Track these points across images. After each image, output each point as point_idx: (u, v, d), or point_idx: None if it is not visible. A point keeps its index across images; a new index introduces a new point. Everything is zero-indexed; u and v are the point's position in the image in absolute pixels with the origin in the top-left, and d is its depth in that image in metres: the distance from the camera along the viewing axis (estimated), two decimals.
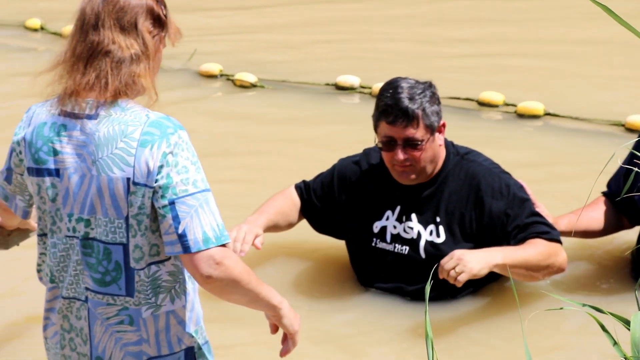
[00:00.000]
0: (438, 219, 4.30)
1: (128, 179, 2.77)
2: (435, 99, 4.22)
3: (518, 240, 4.21)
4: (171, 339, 2.88)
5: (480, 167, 4.30)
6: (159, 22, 2.88)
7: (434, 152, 4.24)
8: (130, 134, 2.77)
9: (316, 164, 4.77)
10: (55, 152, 2.84)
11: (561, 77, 7.30)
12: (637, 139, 4.30)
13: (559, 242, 4.25)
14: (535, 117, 6.56)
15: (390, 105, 4.14)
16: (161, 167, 2.75)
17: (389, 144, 4.18)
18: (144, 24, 2.84)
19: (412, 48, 7.98)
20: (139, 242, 2.80)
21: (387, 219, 4.36)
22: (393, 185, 4.34)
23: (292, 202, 4.53)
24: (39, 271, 2.97)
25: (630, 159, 4.34)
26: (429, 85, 4.23)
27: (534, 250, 4.15)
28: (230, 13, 9.04)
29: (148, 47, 2.83)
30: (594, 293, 4.47)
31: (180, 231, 2.74)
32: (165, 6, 2.91)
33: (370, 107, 6.65)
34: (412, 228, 4.32)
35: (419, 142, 4.16)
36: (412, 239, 4.32)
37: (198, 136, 6.30)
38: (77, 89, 2.81)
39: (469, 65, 7.55)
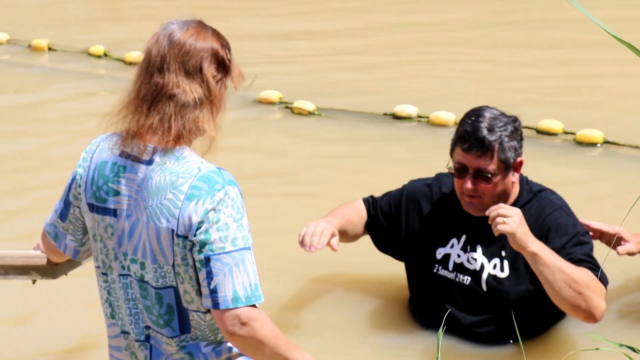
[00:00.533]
0: (503, 254, 4.23)
1: (172, 231, 2.81)
2: (516, 134, 4.13)
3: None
4: None
5: (551, 205, 4.22)
6: (223, 66, 2.89)
7: (504, 188, 4.17)
8: (180, 186, 2.80)
9: (373, 191, 4.79)
10: (115, 193, 2.89)
11: (620, 103, 7.26)
12: None
13: (604, 287, 4.08)
14: (593, 144, 6.53)
15: (468, 133, 4.09)
16: (201, 222, 2.78)
17: (460, 170, 4.13)
18: (209, 69, 2.85)
19: (471, 76, 7.98)
20: (187, 288, 2.85)
21: (452, 246, 4.31)
22: (462, 213, 4.27)
23: (360, 214, 4.48)
24: (102, 306, 3.02)
25: None
26: (513, 120, 4.15)
27: (575, 269, 4.01)
28: (293, 40, 9.11)
29: (212, 92, 2.85)
30: (632, 332, 4.42)
31: (212, 287, 2.78)
32: (229, 50, 2.92)
33: (426, 136, 6.79)
34: (475, 259, 4.26)
35: (490, 175, 4.09)
36: (475, 270, 4.25)
37: (256, 160, 6.36)
38: (139, 131, 2.84)
39: (531, 91, 7.54)
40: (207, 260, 2.78)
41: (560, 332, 4.39)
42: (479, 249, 4.26)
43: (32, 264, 3.39)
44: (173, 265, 2.83)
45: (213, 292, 2.78)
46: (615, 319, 4.51)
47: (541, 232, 4.15)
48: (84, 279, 4.13)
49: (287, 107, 7.31)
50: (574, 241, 4.14)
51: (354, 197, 4.61)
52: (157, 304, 2.88)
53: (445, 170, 4.31)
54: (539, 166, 6.01)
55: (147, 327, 2.92)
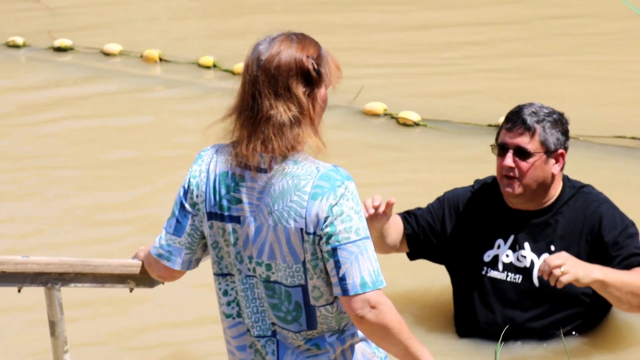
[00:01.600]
0: (552, 248, 4.31)
1: (302, 229, 2.97)
2: (560, 125, 4.30)
3: (621, 266, 4.18)
4: (357, 356, 3.08)
5: (596, 199, 4.33)
6: (310, 78, 2.99)
7: (544, 175, 4.28)
8: (303, 187, 2.97)
9: None
10: (237, 201, 3.03)
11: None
12: None
13: None
14: None
15: (513, 113, 4.30)
16: (327, 217, 2.95)
17: (501, 148, 4.28)
18: (297, 87, 2.97)
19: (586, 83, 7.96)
20: (316, 283, 3.01)
21: (499, 247, 4.38)
22: (506, 213, 4.37)
23: (397, 225, 4.52)
24: (223, 308, 3.13)
25: None
26: (560, 114, 4.33)
27: (635, 276, 4.12)
28: (395, 51, 9.16)
29: (304, 108, 2.97)
30: None
31: (340, 275, 2.95)
32: (316, 57, 3.01)
33: None
34: (525, 257, 4.34)
35: (530, 154, 4.23)
36: (525, 267, 4.34)
37: (361, 171, 6.43)
38: (244, 154, 2.99)
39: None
40: (335, 250, 2.95)
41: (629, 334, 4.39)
42: (527, 246, 4.34)
43: (130, 272, 3.46)
44: (303, 263, 3.00)
45: (342, 280, 2.94)
46: None
47: (591, 225, 4.27)
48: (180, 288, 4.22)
49: (392, 118, 7.37)
50: (625, 234, 4.25)
51: None
52: (286, 301, 3.03)
53: (482, 177, 4.48)
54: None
55: (273, 324, 3.06)
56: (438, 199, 4.57)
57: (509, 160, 4.24)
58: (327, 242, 2.95)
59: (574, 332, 4.39)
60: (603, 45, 9.14)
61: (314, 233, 2.96)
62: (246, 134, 2.98)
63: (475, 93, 7.97)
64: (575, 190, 4.36)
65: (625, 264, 4.20)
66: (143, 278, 3.47)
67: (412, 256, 4.59)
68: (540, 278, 4.30)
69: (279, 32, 3.03)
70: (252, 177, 3.01)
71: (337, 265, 2.95)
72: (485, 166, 6.38)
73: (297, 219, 2.97)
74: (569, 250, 4.23)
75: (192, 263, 3.17)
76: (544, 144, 4.26)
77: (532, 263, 4.33)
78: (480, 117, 7.28)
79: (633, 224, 4.33)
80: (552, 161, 4.29)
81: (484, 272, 4.40)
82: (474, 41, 9.40)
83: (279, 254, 3.00)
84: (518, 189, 4.27)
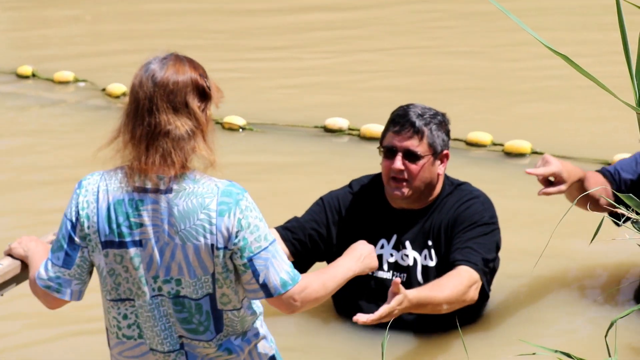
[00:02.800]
0: (430, 243, 4.37)
1: (212, 245, 3.14)
2: (444, 126, 4.36)
3: (450, 258, 4.25)
4: (260, 353, 3.31)
5: (472, 195, 4.40)
6: (204, 94, 3.16)
7: (431, 176, 4.34)
8: (208, 205, 3.12)
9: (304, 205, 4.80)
10: (137, 225, 3.14)
11: (548, 115, 7.37)
12: None
13: (485, 273, 4.27)
14: (521, 155, 6.62)
15: (400, 116, 4.33)
16: (238, 231, 3.13)
17: (390, 151, 4.31)
18: (193, 102, 3.13)
19: (400, 87, 8.04)
20: (225, 291, 3.19)
21: (382, 247, 4.41)
22: (388, 213, 4.41)
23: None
24: (110, 333, 3.25)
25: None
26: (443, 115, 4.39)
27: (443, 285, 4.15)
28: (218, 54, 9.11)
29: (200, 122, 3.13)
30: (567, 336, 4.50)
31: (261, 281, 3.18)
32: (207, 76, 3.19)
33: (358, 149, 6.82)
34: (407, 255, 4.38)
35: (419, 156, 4.28)
36: (409, 265, 4.38)
37: None
38: (144, 168, 3.10)
39: (457, 103, 7.61)
40: (250, 261, 3.16)
41: (497, 337, 4.46)
42: (408, 245, 4.39)
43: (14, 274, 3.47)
44: (213, 274, 3.17)
45: (264, 286, 3.18)
46: (553, 324, 4.59)
47: (455, 217, 4.33)
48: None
49: (217, 123, 7.31)
50: (478, 229, 4.30)
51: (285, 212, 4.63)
52: (197, 314, 3.19)
53: (357, 176, 4.49)
54: (468, 177, 6.07)
55: (180, 337, 3.21)
56: (317, 204, 4.53)
57: (398, 163, 4.28)
58: (241, 256, 3.15)
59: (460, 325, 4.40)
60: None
61: (225, 247, 3.14)
62: (144, 149, 3.09)
63: (300, 94, 7.97)
64: (453, 187, 4.43)
65: (455, 256, 4.24)
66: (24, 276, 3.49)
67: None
68: (423, 275, 4.33)
69: (163, 52, 3.18)
70: (152, 199, 3.13)
71: (256, 274, 3.16)
72: (318, 168, 6.43)
73: (207, 235, 3.13)
74: (440, 240, 4.32)
75: (81, 293, 3.24)
76: (431, 146, 4.30)
77: (414, 261, 4.37)
78: (307, 119, 7.27)
79: (496, 226, 4.35)
80: (438, 162, 4.35)
81: (371, 273, 4.30)
82: (299, 46, 9.41)
83: (187, 270, 3.15)
84: (407, 192, 4.31)
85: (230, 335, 3.24)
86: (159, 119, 3.09)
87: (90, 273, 3.23)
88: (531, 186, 6.08)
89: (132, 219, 3.14)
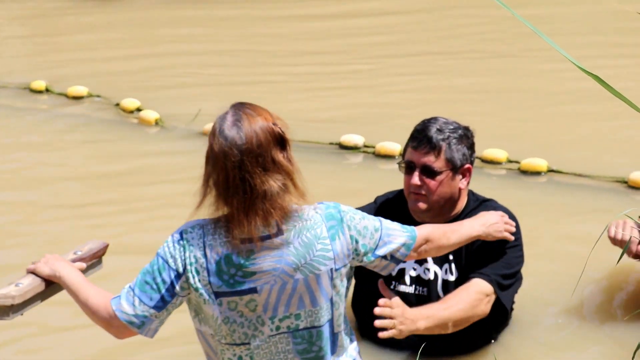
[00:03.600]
0: (450, 257, 4.36)
1: (331, 269, 3.30)
2: (465, 140, 4.32)
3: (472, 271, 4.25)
4: None
5: (494, 210, 4.33)
6: (283, 141, 3.22)
7: (451, 191, 4.32)
8: (321, 234, 3.27)
9: None
10: (251, 274, 3.23)
11: (564, 133, 7.33)
12: None
13: (501, 287, 4.26)
14: (538, 173, 6.58)
15: (418, 131, 4.32)
16: (355, 247, 3.35)
17: (408, 167, 4.31)
18: (278, 155, 3.20)
19: (415, 104, 8.02)
20: (340, 312, 3.37)
21: (405, 261, 4.36)
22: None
23: None
24: None
25: None
26: (465, 128, 4.35)
27: (457, 300, 4.16)
28: (228, 72, 9.10)
29: (288, 171, 3.22)
30: (591, 348, 4.47)
31: (389, 258, 3.46)
32: (275, 118, 3.24)
33: (373, 166, 6.80)
34: (429, 269, 4.37)
35: (436, 172, 4.25)
36: (430, 279, 4.37)
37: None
38: (247, 231, 3.19)
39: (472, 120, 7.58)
40: (374, 253, 3.40)
41: (520, 352, 4.44)
42: (429, 259, 4.38)
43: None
44: (331, 299, 3.32)
45: (392, 258, 3.45)
46: (578, 347, 4.57)
47: None
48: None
49: None
50: (494, 243, 4.22)
51: None
52: (317, 341, 3.33)
53: (371, 194, 4.51)
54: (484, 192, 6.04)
55: None
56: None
57: (416, 178, 4.28)
58: (367, 257, 3.39)
59: (492, 340, 4.45)
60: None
61: (344, 265, 3.32)
62: (243, 215, 3.18)
63: (316, 111, 7.95)
64: (478, 202, 4.41)
65: (471, 271, 4.25)
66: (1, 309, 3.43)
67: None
68: (444, 290, 4.34)
69: (223, 109, 3.22)
70: (262, 246, 3.23)
71: (383, 257, 3.42)
72: (333, 185, 6.40)
73: (327, 262, 3.28)
74: (461, 255, 4.30)
75: (157, 331, 3.34)
76: (450, 161, 4.28)
77: (435, 275, 4.37)
78: (322, 136, 7.24)
79: (519, 243, 4.33)
80: (459, 177, 4.33)
81: (392, 287, 4.41)
82: (317, 58, 9.40)
83: (310, 301, 3.29)
84: (426, 206, 4.30)
85: (339, 355, 3.39)
86: (253, 184, 3.15)
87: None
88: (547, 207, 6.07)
89: (244, 269, 3.22)
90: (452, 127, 4.30)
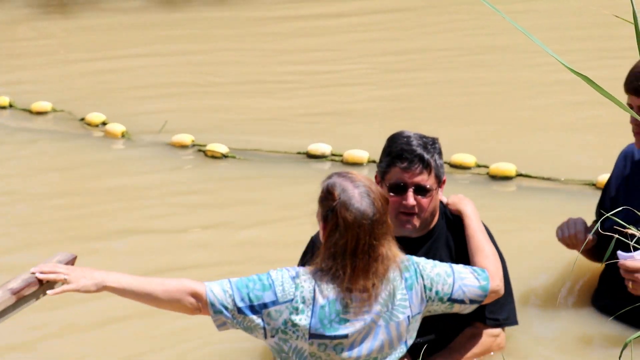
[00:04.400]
0: None
1: (408, 317, 3.78)
2: (441, 153, 4.30)
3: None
4: None
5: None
6: (388, 202, 3.81)
7: (436, 205, 4.30)
8: (399, 285, 3.75)
9: (292, 230, 4.74)
10: (345, 321, 3.66)
11: (533, 137, 7.34)
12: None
13: (504, 324, 4.37)
14: (507, 178, 6.57)
15: (407, 151, 4.20)
16: (429, 295, 3.83)
17: (399, 188, 4.21)
18: (387, 217, 3.78)
19: (380, 111, 8.00)
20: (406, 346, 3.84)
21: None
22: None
23: None
24: None
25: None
26: (437, 140, 4.31)
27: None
28: (198, 85, 9.05)
29: (391, 230, 3.78)
30: (581, 357, 4.46)
31: (468, 302, 3.93)
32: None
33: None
34: None
35: (429, 190, 4.20)
36: None
37: (170, 209, 6.27)
38: (362, 287, 3.66)
39: (439, 127, 7.57)
40: (450, 299, 3.88)
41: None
42: None
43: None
44: (405, 342, 3.80)
45: (473, 302, 3.94)
46: (566, 345, 4.59)
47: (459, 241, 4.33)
48: None
49: (200, 150, 7.23)
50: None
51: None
52: None
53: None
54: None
55: None
56: (309, 243, 4.38)
57: (411, 200, 4.20)
58: (442, 301, 3.87)
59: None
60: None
61: (419, 312, 3.81)
62: (361, 273, 3.63)
63: (281, 120, 7.92)
64: (449, 216, 4.40)
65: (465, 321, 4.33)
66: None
67: None
68: None
69: (341, 177, 3.71)
70: (358, 297, 3.66)
71: (461, 302, 3.90)
72: (301, 195, 6.34)
73: (405, 310, 3.75)
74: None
75: (222, 328, 3.71)
76: (437, 177, 4.24)
77: None
78: (289, 145, 7.21)
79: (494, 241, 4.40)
80: (440, 190, 4.30)
81: None
82: (291, 69, 9.37)
83: (388, 345, 3.73)
84: (418, 224, 4.25)
85: None
86: (378, 249, 3.65)
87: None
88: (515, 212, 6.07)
89: (341, 315, 3.64)
90: (430, 142, 4.24)
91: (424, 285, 3.78)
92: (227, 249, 5.72)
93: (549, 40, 9.05)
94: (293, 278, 3.64)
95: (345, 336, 3.64)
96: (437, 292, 3.80)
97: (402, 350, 3.77)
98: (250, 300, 3.63)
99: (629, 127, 4.55)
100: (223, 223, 6.08)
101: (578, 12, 10.25)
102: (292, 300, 3.62)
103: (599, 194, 5.27)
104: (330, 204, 3.66)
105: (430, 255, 4.28)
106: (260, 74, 9.18)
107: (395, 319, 3.70)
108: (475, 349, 4.28)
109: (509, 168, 6.60)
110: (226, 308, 3.63)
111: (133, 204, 6.38)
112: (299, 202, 6.32)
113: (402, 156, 4.20)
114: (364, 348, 3.68)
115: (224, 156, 7.12)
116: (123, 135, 7.57)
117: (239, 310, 3.63)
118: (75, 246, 5.62)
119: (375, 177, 4.32)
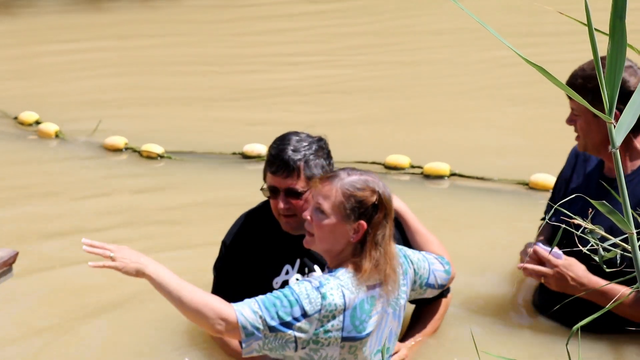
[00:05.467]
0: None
1: (404, 303, 3.90)
2: (322, 152, 4.30)
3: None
4: None
5: None
6: None
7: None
8: (399, 271, 3.88)
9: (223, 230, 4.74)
10: (370, 317, 3.73)
11: (466, 136, 7.41)
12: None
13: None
14: (441, 177, 6.63)
15: (274, 156, 4.26)
16: (416, 278, 4.07)
17: (272, 192, 4.29)
18: None
19: (309, 116, 8.03)
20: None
21: (287, 273, 4.40)
22: (286, 239, 4.39)
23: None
24: None
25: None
26: (318, 140, 4.32)
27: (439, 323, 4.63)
28: (132, 84, 9.02)
29: None
30: (529, 345, 4.52)
31: (438, 287, 4.21)
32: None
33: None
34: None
35: (300, 192, 4.24)
36: None
37: (110, 209, 6.24)
38: (385, 281, 3.78)
39: (376, 129, 7.62)
40: (427, 284, 4.13)
41: (460, 349, 4.48)
42: (317, 268, 4.38)
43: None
44: (400, 325, 3.94)
45: (441, 287, 4.21)
46: (515, 335, 4.62)
47: None
48: None
49: (134, 151, 7.20)
50: None
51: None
52: None
53: (248, 209, 4.52)
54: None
55: None
56: (221, 247, 4.52)
57: (281, 203, 4.26)
58: (421, 286, 4.10)
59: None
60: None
61: (408, 297, 3.97)
62: (389, 261, 3.74)
63: (217, 121, 7.92)
64: None
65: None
66: None
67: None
68: None
69: (354, 173, 3.77)
70: (378, 291, 3.74)
71: (432, 286, 4.15)
72: (238, 194, 6.36)
73: (404, 296, 3.89)
74: None
75: (253, 354, 3.66)
76: (310, 178, 4.24)
77: None
78: (223, 146, 7.21)
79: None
80: None
81: None
82: (211, 72, 9.36)
83: (394, 331, 3.87)
84: (297, 224, 4.30)
85: None
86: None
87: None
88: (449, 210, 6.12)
89: (369, 314, 3.70)
90: (306, 143, 4.28)
91: (415, 270, 4.00)
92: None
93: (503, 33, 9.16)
94: (317, 288, 3.65)
95: (370, 333, 3.72)
96: (421, 278, 4.05)
97: (398, 337, 3.94)
98: (280, 317, 3.63)
99: (564, 128, 4.60)
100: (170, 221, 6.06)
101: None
102: (320, 310, 3.63)
103: (532, 193, 5.37)
104: (370, 200, 3.70)
105: None
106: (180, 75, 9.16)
107: (399, 306, 3.85)
108: (441, 310, 4.61)
109: (443, 167, 6.66)
110: (258, 329, 3.61)
111: (66, 204, 6.34)
112: (233, 200, 6.33)
113: (271, 161, 4.28)
114: (381, 338, 3.77)
115: (160, 156, 7.10)
116: (57, 135, 7.52)
117: (271, 328, 3.62)
118: (14, 246, 5.58)
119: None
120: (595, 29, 1.75)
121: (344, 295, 3.64)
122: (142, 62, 9.74)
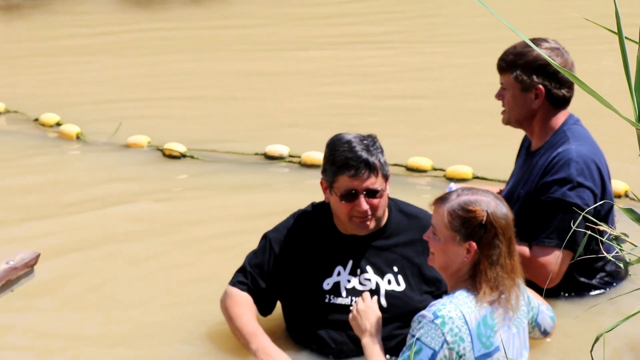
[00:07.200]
0: (395, 269, 4.37)
1: (527, 323, 3.94)
2: (382, 150, 4.32)
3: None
4: None
5: (416, 209, 4.47)
6: None
7: (386, 202, 4.35)
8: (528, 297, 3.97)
9: (249, 235, 4.73)
10: (495, 333, 3.75)
11: (490, 141, 7.38)
12: None
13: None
14: (463, 180, 6.60)
15: (351, 158, 4.23)
16: (530, 306, 4.04)
17: (351, 196, 4.25)
18: None
19: (332, 117, 8.02)
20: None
21: (339, 274, 4.37)
22: (339, 240, 4.38)
23: (248, 304, 4.46)
24: None
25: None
26: (376, 138, 4.33)
27: None
28: (155, 85, 9.03)
29: None
30: (554, 351, 4.50)
31: (542, 335, 4.20)
32: None
33: (298, 175, 6.74)
34: (369, 279, 4.36)
35: (379, 191, 4.25)
36: (371, 289, 4.35)
37: (136, 211, 6.24)
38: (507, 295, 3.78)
39: (396, 130, 7.61)
40: (537, 317, 4.11)
41: None
42: (369, 270, 4.36)
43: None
44: (527, 348, 3.91)
45: (544, 333, 4.17)
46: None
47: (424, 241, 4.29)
48: None
49: (158, 149, 7.20)
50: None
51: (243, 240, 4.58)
52: None
53: (297, 209, 4.47)
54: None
55: None
56: (262, 241, 4.48)
57: (364, 205, 4.25)
58: (531, 322, 4.05)
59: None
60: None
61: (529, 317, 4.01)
62: (507, 275, 3.75)
63: (239, 121, 7.91)
64: (394, 203, 4.44)
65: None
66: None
67: (264, 313, 4.54)
68: (387, 298, 4.33)
69: (464, 194, 3.76)
70: (498, 307, 3.74)
71: (540, 328, 4.15)
72: (258, 195, 6.35)
73: (527, 315, 3.92)
74: (408, 269, 4.36)
75: None
76: (384, 176, 4.29)
77: (377, 285, 4.36)
78: (246, 146, 7.19)
79: None
80: (388, 185, 4.34)
81: (327, 301, 4.36)
82: (236, 74, 9.35)
83: (522, 347, 3.85)
84: (374, 224, 4.32)
85: None
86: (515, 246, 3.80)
87: None
88: None
89: (493, 329, 3.72)
90: (370, 142, 4.27)
91: (528, 298, 3.98)
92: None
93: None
94: (432, 321, 3.69)
95: (498, 348, 3.73)
96: (532, 309, 4.03)
97: (525, 357, 3.87)
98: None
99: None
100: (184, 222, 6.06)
101: None
102: (445, 341, 3.68)
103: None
104: (477, 220, 3.71)
105: (382, 252, 4.36)
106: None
107: (522, 325, 3.84)
108: None
109: (466, 171, 6.63)
110: None
111: (87, 204, 6.34)
112: (255, 201, 6.33)
113: (348, 164, 4.23)
114: (504, 353, 3.76)
115: (183, 155, 7.10)
116: (78, 137, 7.52)
117: None
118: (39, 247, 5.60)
119: (321, 183, 4.37)
120: (626, 37, 1.73)
121: (463, 315, 3.68)
122: (162, 60, 9.75)
